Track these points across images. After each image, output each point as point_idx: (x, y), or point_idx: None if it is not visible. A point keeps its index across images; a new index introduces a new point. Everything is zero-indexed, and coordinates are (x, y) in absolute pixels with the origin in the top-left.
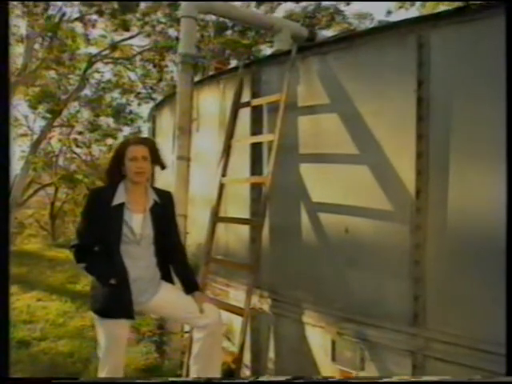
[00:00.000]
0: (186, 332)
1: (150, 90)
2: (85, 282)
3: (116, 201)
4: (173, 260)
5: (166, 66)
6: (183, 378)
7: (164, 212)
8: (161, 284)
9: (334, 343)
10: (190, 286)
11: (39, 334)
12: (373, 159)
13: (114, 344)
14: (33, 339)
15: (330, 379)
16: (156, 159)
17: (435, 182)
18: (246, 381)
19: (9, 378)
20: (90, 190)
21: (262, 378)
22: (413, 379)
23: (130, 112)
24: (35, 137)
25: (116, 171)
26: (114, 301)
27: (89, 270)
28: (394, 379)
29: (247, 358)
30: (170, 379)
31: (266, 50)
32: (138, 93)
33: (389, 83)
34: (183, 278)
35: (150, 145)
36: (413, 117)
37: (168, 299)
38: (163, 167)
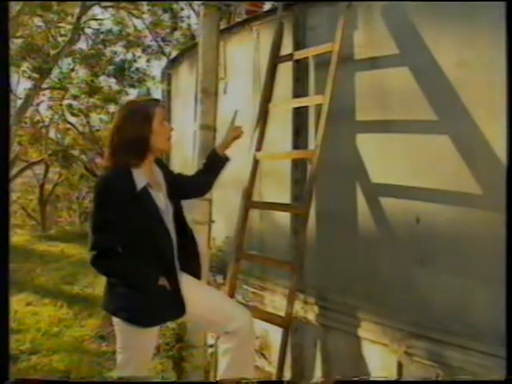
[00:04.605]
0: (211, 346)
1: (161, 43)
2: (84, 283)
3: (140, 183)
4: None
5: (182, 10)
6: (186, 379)
7: (169, 181)
8: (181, 277)
9: (400, 366)
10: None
11: (29, 346)
12: (455, 127)
13: (141, 355)
14: (21, 353)
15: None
16: None
17: None
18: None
19: (9, 378)
20: (101, 178)
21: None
22: (415, 379)
23: (137, 70)
24: (19, 103)
25: (144, 143)
26: (164, 303)
27: (125, 276)
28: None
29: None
30: (172, 380)
31: None
32: (148, 46)
33: (479, 26)
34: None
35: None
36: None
37: (191, 296)
38: None
